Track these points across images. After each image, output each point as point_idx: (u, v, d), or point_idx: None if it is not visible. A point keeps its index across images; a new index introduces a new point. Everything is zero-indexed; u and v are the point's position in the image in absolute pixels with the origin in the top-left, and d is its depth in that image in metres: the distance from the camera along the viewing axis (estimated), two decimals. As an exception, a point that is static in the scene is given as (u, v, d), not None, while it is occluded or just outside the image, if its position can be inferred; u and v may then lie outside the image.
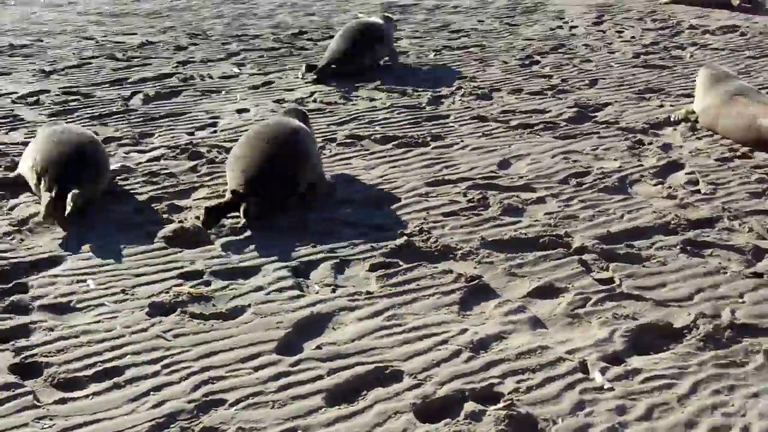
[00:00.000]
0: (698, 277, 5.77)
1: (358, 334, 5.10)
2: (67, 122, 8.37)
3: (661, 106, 9.44)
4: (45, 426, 4.27)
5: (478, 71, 10.91)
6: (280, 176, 6.64)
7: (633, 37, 12.86)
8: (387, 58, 11.36)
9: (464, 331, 5.12)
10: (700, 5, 15.18)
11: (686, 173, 7.55)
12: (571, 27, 13.70)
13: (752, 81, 10.36)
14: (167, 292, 5.55)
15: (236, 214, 6.46)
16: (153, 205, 6.81)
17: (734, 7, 14.92)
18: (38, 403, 4.43)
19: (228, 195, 6.55)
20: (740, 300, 5.49)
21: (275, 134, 6.94)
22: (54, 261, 5.93)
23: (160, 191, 7.09)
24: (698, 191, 7.17)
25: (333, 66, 10.68)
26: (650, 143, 8.27)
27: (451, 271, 5.83)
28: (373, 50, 11.10)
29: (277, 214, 6.55)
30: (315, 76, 10.57)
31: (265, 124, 7.32)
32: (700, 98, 9.01)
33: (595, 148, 8.14)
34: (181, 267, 5.89)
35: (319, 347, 4.96)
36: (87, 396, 4.50)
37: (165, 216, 6.64)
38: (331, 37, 12.58)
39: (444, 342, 5.01)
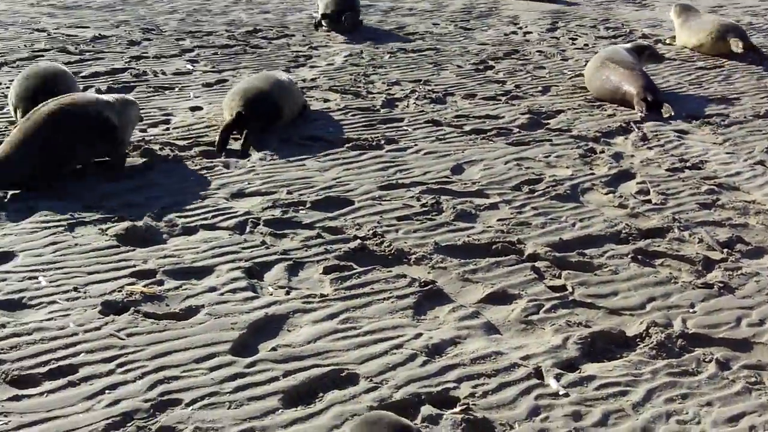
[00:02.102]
0: (649, 287, 5.85)
1: (313, 336, 5.10)
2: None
3: (613, 114, 9.53)
4: (1, 423, 4.22)
5: (432, 75, 10.94)
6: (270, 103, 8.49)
7: (586, 45, 12.96)
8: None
9: (419, 335, 5.14)
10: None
11: (637, 183, 7.64)
12: (526, 33, 13.78)
13: (704, 91, 10.53)
14: (120, 291, 5.51)
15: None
16: (104, 203, 6.75)
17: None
18: (-8, 400, 4.40)
19: (230, 118, 8.25)
20: (691, 310, 5.57)
21: (265, 76, 9.15)
22: (4, 257, 5.88)
23: (111, 188, 7.04)
24: (649, 201, 7.25)
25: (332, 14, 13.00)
26: (602, 152, 8.36)
27: (405, 276, 5.85)
28: (355, 12, 13.32)
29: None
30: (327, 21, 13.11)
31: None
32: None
33: (548, 156, 8.21)
34: (134, 266, 5.85)
35: (274, 349, 4.95)
36: (42, 394, 4.47)
37: (117, 214, 6.58)
38: (287, 35, 12.64)
39: (399, 346, 5.03)
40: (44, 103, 7.21)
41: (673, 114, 9.45)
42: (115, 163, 7.39)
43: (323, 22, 13.26)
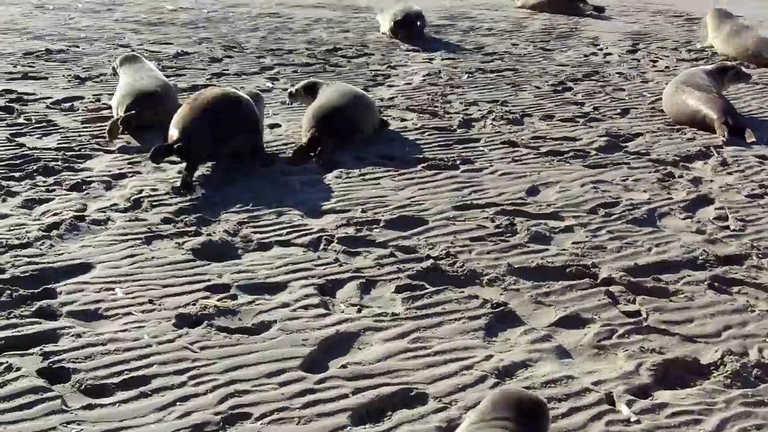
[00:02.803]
0: (726, 314, 5.75)
1: (384, 354, 5.11)
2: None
3: (693, 138, 9.41)
4: (73, 430, 4.30)
5: (510, 95, 10.92)
6: (342, 119, 8.63)
7: (667, 67, 12.83)
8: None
9: (489, 357, 5.12)
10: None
11: (716, 208, 7.53)
12: (606, 54, 13.70)
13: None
14: (194, 304, 5.57)
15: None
16: (182, 217, 6.85)
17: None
18: (66, 408, 4.47)
19: (306, 138, 8.36)
20: (768, 339, 5.47)
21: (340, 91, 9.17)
22: (83, 268, 5.99)
23: (189, 203, 7.14)
24: (727, 227, 7.14)
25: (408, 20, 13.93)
26: (680, 176, 8.25)
27: (477, 297, 5.83)
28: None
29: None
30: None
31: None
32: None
33: (625, 179, 8.13)
34: (208, 280, 5.92)
35: (344, 366, 4.97)
36: (114, 403, 4.53)
37: (193, 228, 6.67)
38: (366, 54, 12.73)
39: (469, 367, 5.01)
40: (200, 92, 8.42)
41: (755, 139, 9.29)
42: (256, 154, 8.23)
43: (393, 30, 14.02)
